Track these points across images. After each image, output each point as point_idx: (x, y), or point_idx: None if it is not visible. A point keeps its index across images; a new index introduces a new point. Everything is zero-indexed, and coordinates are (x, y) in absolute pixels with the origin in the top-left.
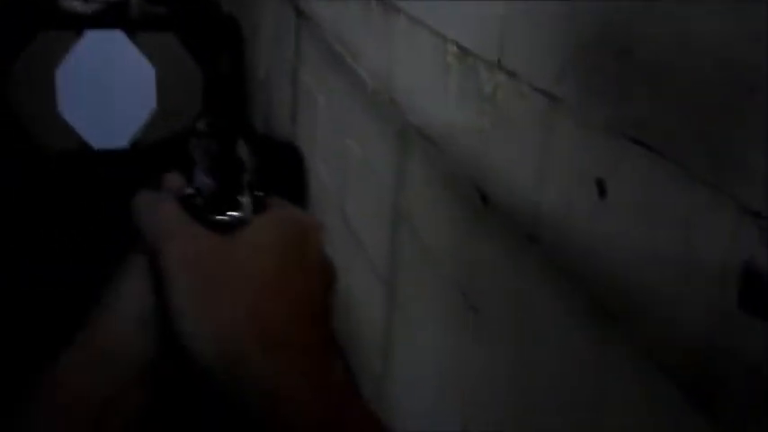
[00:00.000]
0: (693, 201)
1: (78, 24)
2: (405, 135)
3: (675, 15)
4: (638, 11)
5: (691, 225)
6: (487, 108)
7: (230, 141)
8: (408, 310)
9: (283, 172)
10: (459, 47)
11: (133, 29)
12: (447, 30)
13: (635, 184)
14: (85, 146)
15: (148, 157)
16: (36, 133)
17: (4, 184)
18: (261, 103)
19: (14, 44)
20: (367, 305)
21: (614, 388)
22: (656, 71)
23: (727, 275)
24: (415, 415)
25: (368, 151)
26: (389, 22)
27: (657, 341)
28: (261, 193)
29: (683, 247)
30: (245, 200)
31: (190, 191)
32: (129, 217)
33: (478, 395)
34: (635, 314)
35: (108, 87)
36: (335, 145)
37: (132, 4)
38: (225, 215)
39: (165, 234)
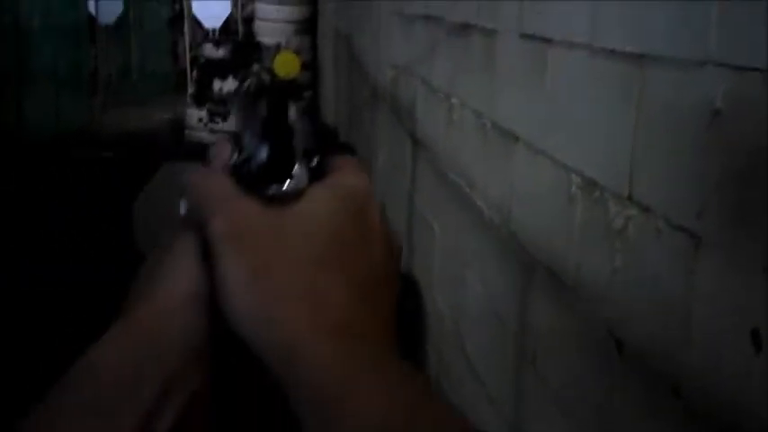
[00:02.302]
0: None
1: (201, 155)
2: (527, 270)
3: None
4: None
5: None
6: (618, 245)
7: (281, 105)
8: None
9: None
10: (585, 178)
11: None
12: (570, 159)
13: None
14: None
15: None
16: None
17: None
18: None
19: (141, 175)
20: None
21: None
22: None
23: None
24: None
25: (488, 285)
26: (507, 151)
27: None
28: (315, 161)
29: None
30: (298, 169)
31: (240, 159)
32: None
33: None
34: None
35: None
36: (453, 276)
37: None
38: (277, 186)
39: (213, 208)
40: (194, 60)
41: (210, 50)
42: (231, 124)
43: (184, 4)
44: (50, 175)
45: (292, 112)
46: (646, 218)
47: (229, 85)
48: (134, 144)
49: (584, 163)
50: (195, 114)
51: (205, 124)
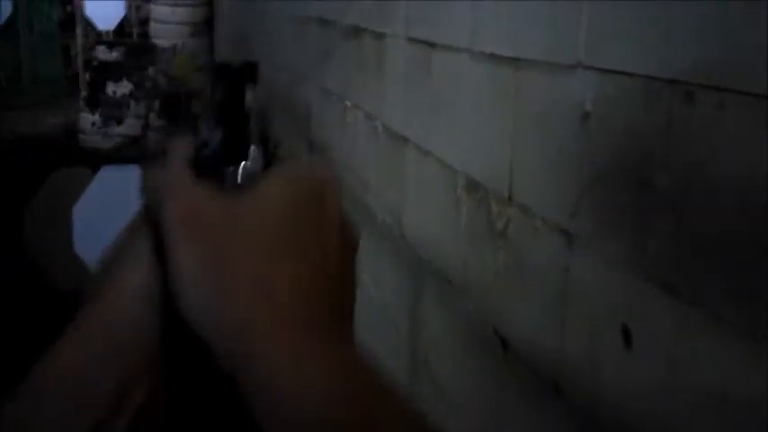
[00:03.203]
0: (730, 352)
1: (95, 161)
2: (418, 272)
3: (697, 146)
4: (656, 141)
5: (728, 380)
6: (501, 244)
7: (237, 88)
8: None
9: None
10: (469, 179)
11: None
12: (456, 161)
13: (663, 332)
14: None
15: None
16: (50, 271)
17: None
18: None
19: (33, 182)
20: None
21: None
22: (678, 205)
23: None
24: None
25: (381, 287)
26: (398, 153)
27: None
28: (273, 146)
29: (720, 406)
30: (254, 151)
31: (196, 144)
32: None
33: None
34: None
35: (124, 224)
36: None
37: (150, 139)
38: (233, 168)
39: (166, 195)
40: (87, 63)
41: (104, 53)
42: (126, 128)
43: (76, 5)
44: None
45: (249, 96)
46: (525, 218)
47: (124, 87)
48: (25, 149)
49: (468, 164)
50: (89, 118)
51: (99, 128)
